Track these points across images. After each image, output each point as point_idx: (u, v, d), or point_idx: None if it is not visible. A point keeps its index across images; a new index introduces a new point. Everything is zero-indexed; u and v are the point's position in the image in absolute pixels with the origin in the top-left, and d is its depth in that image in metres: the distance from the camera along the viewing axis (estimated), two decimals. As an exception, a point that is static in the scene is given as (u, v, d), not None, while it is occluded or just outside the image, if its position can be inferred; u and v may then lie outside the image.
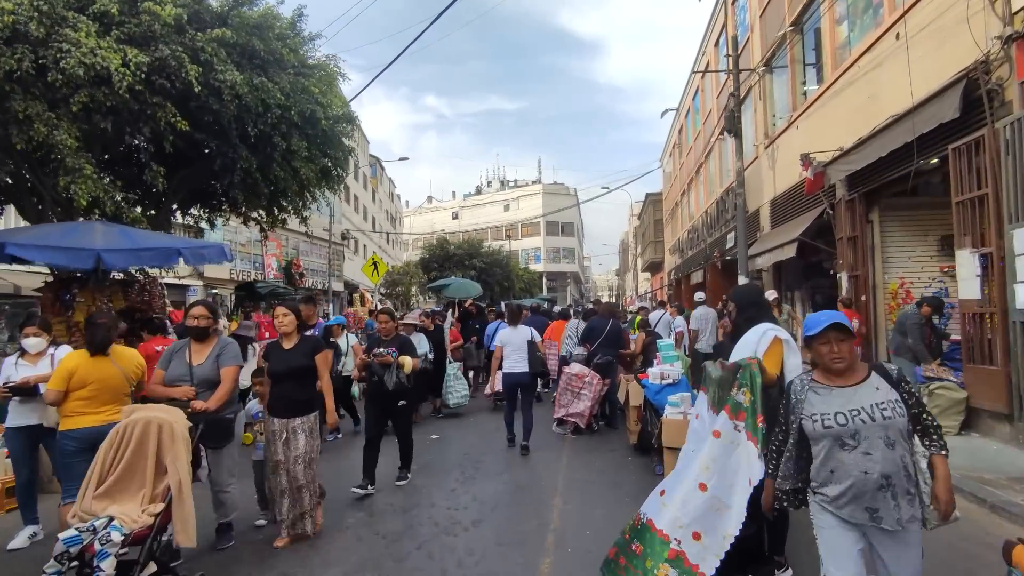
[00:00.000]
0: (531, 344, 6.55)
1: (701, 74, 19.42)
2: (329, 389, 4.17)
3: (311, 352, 4.02)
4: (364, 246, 43.37)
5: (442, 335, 8.69)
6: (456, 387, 8.51)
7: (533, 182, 70.71)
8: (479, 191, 75.48)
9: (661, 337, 7.75)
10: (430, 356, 7.96)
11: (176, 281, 20.47)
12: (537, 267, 60.56)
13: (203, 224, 12.87)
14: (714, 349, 5.33)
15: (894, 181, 7.92)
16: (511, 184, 73.45)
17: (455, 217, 71.03)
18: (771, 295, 8.88)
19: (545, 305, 18.26)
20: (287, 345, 4.05)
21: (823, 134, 9.62)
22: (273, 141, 8.58)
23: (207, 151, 8.43)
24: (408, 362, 5.08)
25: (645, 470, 5.43)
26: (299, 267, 29.03)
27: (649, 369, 5.58)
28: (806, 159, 9.35)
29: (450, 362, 8.61)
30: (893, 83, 7.56)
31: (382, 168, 52.11)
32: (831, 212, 9.23)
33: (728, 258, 16.34)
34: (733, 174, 16.25)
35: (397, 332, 5.45)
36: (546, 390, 10.46)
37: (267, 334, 8.92)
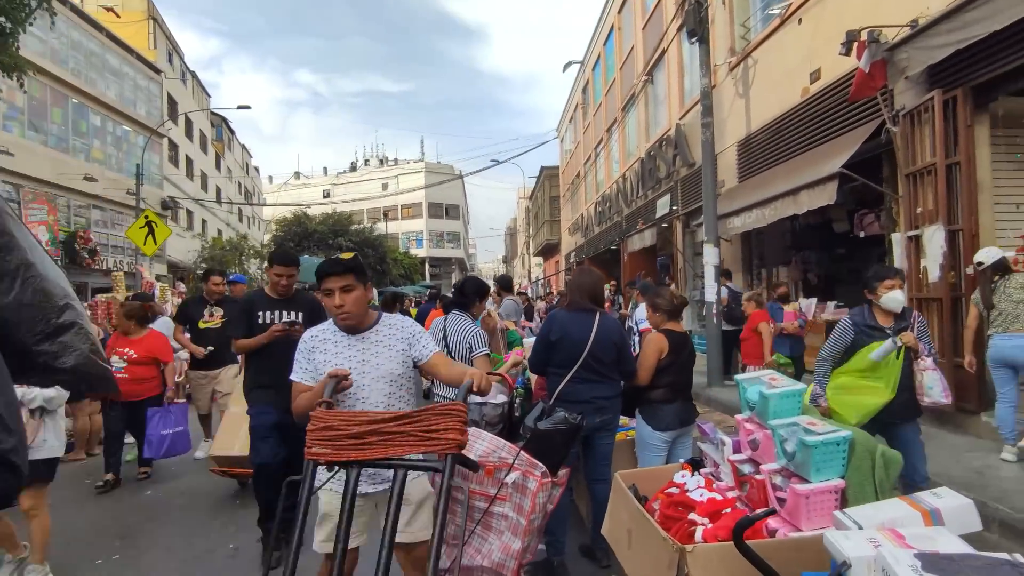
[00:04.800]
0: None
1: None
2: None
3: None
4: (204, 221, 35.33)
5: None
6: None
7: (415, 161, 64.99)
8: (354, 168, 68.14)
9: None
10: None
11: None
12: (419, 252, 55.28)
13: None
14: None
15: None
16: (391, 163, 67.17)
17: (326, 196, 63.12)
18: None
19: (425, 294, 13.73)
20: None
21: (864, 12, 5.94)
22: None
23: None
24: None
25: None
26: (88, 242, 21.24)
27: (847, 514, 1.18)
28: (856, 39, 5.58)
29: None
30: None
31: (230, 131, 43.71)
32: (894, 129, 5.55)
33: (663, 226, 12.73)
34: (667, 121, 12.64)
35: None
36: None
37: None
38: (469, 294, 3.61)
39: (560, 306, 5.92)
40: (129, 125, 25.01)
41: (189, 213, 32.48)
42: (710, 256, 8.08)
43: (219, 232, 36.44)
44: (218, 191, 38.73)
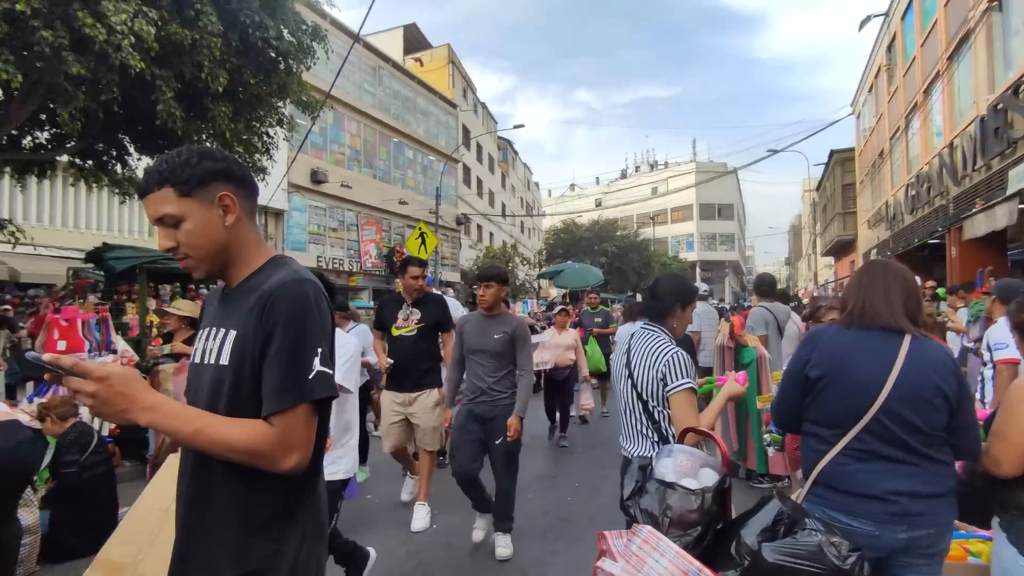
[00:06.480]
0: None
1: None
2: None
3: None
4: (491, 234, 40.09)
5: None
6: None
7: (686, 163, 62.51)
8: (624, 175, 69.11)
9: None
10: None
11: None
12: (690, 256, 52.79)
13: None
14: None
15: None
16: (661, 167, 66.06)
17: (598, 204, 65.50)
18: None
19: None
20: None
21: None
22: None
23: None
24: None
25: None
26: (403, 254, 26.15)
27: None
28: None
29: None
30: None
31: (514, 152, 48.80)
32: None
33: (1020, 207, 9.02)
34: None
35: None
36: None
37: (57, 336, 4.92)
38: (664, 297, 2.37)
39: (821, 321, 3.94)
40: (433, 155, 29.92)
41: (479, 227, 37.27)
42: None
43: (503, 243, 40.84)
44: (503, 206, 43.56)
